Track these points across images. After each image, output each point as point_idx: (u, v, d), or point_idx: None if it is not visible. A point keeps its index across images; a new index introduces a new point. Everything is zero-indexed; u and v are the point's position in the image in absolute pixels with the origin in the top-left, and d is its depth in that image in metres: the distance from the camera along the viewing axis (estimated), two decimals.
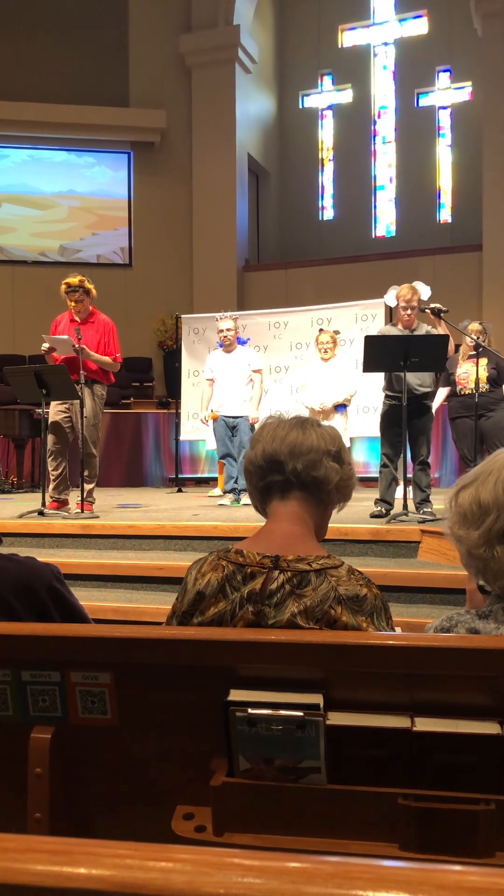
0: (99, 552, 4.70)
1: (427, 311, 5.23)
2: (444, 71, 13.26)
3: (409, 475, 5.21)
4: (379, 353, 4.88)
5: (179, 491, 8.41)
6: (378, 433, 5.47)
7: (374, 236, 13.74)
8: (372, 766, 1.18)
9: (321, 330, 6.84)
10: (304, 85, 14.07)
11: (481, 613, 1.33)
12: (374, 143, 13.78)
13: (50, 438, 5.61)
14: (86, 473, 5.46)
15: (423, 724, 1.15)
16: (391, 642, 1.21)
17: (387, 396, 5.23)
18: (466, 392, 6.15)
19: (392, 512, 4.93)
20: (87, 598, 3.81)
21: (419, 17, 13.39)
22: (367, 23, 13.77)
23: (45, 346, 5.63)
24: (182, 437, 8.84)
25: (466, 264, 11.65)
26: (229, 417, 6.45)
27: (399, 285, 5.29)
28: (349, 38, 13.90)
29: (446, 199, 13.35)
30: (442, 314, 5.20)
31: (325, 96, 14.06)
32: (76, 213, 12.89)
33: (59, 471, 5.64)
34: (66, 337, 5.52)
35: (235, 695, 1.18)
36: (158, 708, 1.26)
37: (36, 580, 1.59)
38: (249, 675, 1.21)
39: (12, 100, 12.04)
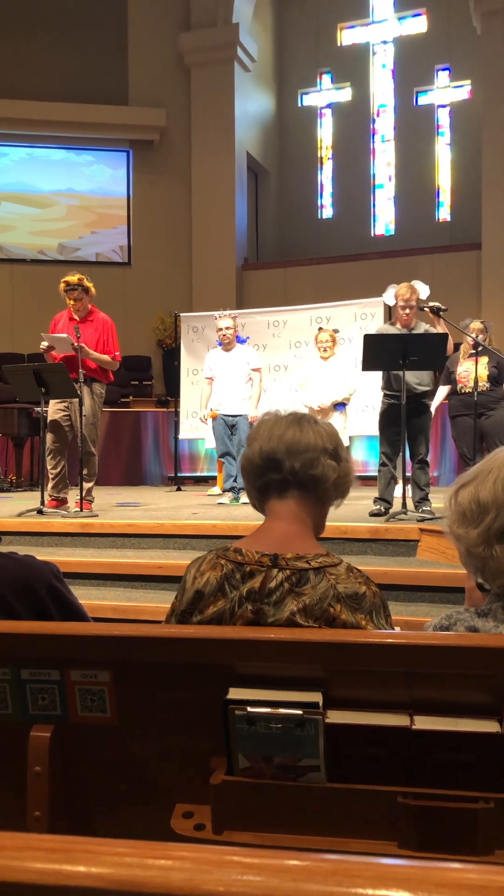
0: (98, 551, 4.70)
1: (426, 309, 5.23)
2: (444, 69, 13.25)
3: (408, 474, 5.21)
4: (378, 352, 4.88)
5: (178, 489, 8.41)
6: (377, 432, 5.47)
7: (373, 235, 13.73)
8: (371, 764, 1.18)
9: (320, 328, 6.84)
10: (304, 83, 14.06)
11: (480, 612, 1.33)
12: (373, 142, 13.78)
13: (49, 437, 5.61)
14: (85, 472, 5.46)
15: (423, 723, 1.15)
16: (390, 640, 1.21)
17: (385, 395, 5.23)
18: (467, 390, 6.15)
19: (391, 511, 4.93)
20: (87, 597, 3.81)
21: (418, 15, 13.38)
22: (366, 21, 13.76)
23: (44, 344, 5.63)
24: (181, 436, 8.84)
25: (465, 263, 11.65)
26: (228, 416, 6.45)
27: (398, 284, 5.29)
28: (348, 36, 13.89)
29: (445, 197, 13.35)
30: (441, 313, 5.20)
31: (324, 95, 14.05)
32: (75, 212, 12.88)
33: (58, 469, 5.64)
34: (65, 335, 5.52)
35: (235, 693, 1.18)
36: (158, 706, 1.26)
37: (35, 579, 1.58)
38: (249, 673, 1.21)
39: (11, 98, 12.02)
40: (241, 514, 5.18)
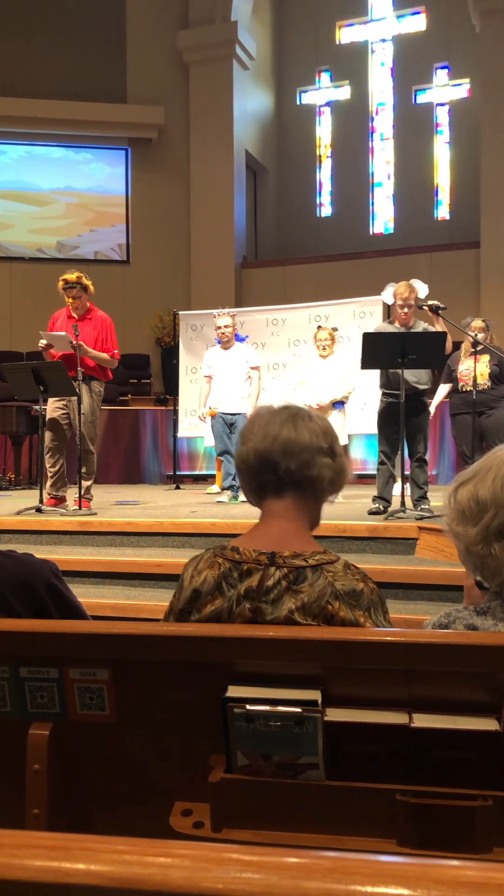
0: (97, 549, 4.70)
1: (425, 308, 5.23)
2: (442, 68, 13.24)
3: (407, 472, 5.21)
4: (377, 350, 4.88)
5: (177, 488, 8.41)
6: (376, 430, 5.47)
7: (371, 233, 13.73)
8: (370, 762, 1.18)
9: (319, 327, 6.84)
10: (302, 81, 14.05)
11: (479, 610, 1.33)
12: (372, 140, 13.77)
13: (47, 435, 5.61)
14: (83, 470, 5.46)
15: (421, 721, 1.15)
16: (389, 639, 1.21)
17: (384, 394, 5.23)
18: (468, 389, 6.15)
19: (390, 509, 4.93)
20: (85, 595, 3.81)
21: (417, 13, 13.38)
22: (364, 19, 13.75)
23: (43, 342, 5.62)
24: (180, 434, 8.84)
25: (464, 261, 11.65)
26: (227, 414, 6.45)
27: (396, 283, 5.29)
28: (347, 34, 13.88)
29: (444, 196, 13.35)
30: (439, 311, 5.20)
31: (323, 93, 14.04)
32: (74, 210, 12.87)
33: (57, 468, 5.64)
34: (63, 333, 5.51)
35: (233, 691, 1.18)
36: (157, 704, 1.27)
37: (34, 577, 1.58)
38: (247, 671, 1.21)
39: (10, 96, 12.01)
40: (239, 513, 5.18)
